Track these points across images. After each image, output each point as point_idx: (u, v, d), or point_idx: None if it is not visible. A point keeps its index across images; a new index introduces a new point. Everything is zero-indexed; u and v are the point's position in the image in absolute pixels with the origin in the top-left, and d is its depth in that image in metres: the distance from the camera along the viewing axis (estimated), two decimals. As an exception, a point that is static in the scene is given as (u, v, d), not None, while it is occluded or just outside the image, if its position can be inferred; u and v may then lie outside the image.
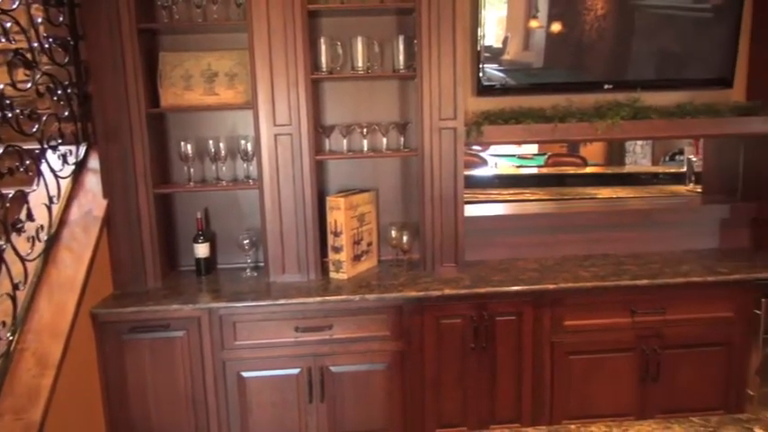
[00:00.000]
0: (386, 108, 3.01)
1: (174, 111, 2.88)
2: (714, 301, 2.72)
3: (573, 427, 1.47)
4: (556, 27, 2.90)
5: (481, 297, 2.61)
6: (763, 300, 2.70)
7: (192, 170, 2.87)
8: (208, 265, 2.96)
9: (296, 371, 2.60)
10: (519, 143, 4.63)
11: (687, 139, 4.77)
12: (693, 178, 4.40)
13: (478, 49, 2.85)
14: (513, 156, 8.11)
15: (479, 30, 2.83)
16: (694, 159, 4.45)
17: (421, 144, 2.78)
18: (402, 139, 2.95)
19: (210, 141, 2.86)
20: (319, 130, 2.89)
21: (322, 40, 2.77)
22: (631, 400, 2.74)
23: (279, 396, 2.61)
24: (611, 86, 2.97)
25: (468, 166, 6.59)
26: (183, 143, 2.82)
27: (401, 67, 2.83)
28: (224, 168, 2.93)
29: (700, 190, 3.68)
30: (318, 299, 2.55)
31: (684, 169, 4.83)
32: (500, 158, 7.87)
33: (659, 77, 3.01)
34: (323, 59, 2.78)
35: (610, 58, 2.97)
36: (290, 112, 2.70)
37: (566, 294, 2.66)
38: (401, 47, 2.80)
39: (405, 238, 2.94)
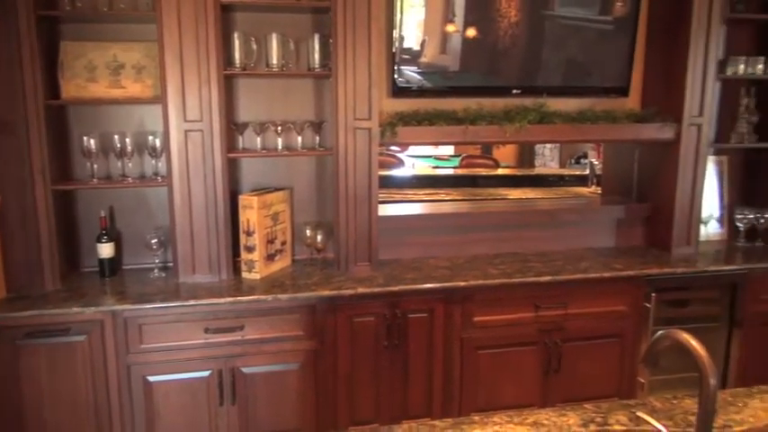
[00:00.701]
0: (301, 107, 2.99)
1: (76, 103, 2.74)
2: (610, 296, 2.90)
3: (477, 418, 1.53)
4: (471, 32, 2.98)
5: (394, 295, 2.66)
6: (652, 294, 2.91)
7: (95, 166, 2.74)
8: (112, 266, 2.83)
9: (206, 373, 2.55)
10: (432, 144, 4.74)
11: (588, 143, 5.06)
12: (595, 180, 4.66)
13: (393, 50, 2.90)
14: (430, 157, 8.28)
15: (395, 32, 2.88)
16: (596, 163, 4.71)
17: (336, 143, 2.79)
18: (317, 138, 2.95)
19: (116, 136, 2.74)
20: (232, 127, 2.84)
21: (236, 36, 2.72)
22: (535, 391, 2.88)
23: (188, 400, 2.55)
24: (519, 91, 3.09)
25: (386, 166, 6.67)
26: (85, 138, 2.68)
27: (316, 66, 2.83)
28: (131, 165, 2.81)
29: (600, 192, 3.91)
30: (230, 299, 2.51)
31: (587, 172, 5.12)
32: (417, 159, 8.02)
33: (564, 84, 3.16)
34: (236, 55, 2.73)
35: (521, 65, 3.09)
36: (201, 107, 2.63)
37: (475, 291, 2.75)
38: (317, 46, 2.80)
39: (319, 238, 2.94)
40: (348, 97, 2.75)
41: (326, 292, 2.58)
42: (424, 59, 2.98)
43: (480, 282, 2.73)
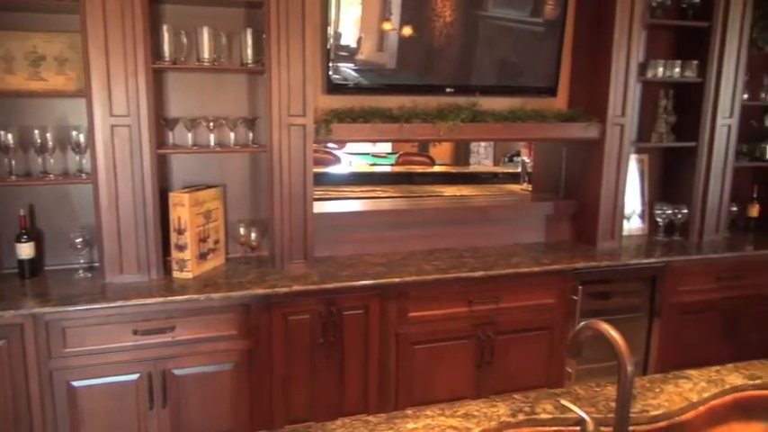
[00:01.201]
0: (234, 102, 2.94)
1: (-9, 95, 2.59)
2: (539, 290, 3.00)
3: (410, 412, 1.55)
4: (408, 31, 3.00)
5: (329, 292, 2.66)
6: (579, 287, 3.03)
7: (13, 162, 2.60)
8: (33, 267, 2.70)
9: (134, 376, 2.46)
10: (367, 141, 4.76)
11: (518, 141, 5.19)
12: (527, 178, 4.80)
13: (328, 47, 2.89)
14: (368, 154, 8.31)
15: (329, 29, 2.86)
16: (527, 161, 4.86)
17: (270, 140, 2.76)
18: (251, 134, 2.90)
19: (36, 131, 2.61)
20: (162, 122, 2.76)
21: (165, 28, 2.64)
22: (469, 383, 2.94)
23: (115, 404, 2.46)
24: (452, 90, 3.15)
25: (323, 163, 6.65)
26: (2, 132, 2.54)
27: (249, 62, 2.78)
28: (52, 161, 2.68)
29: (531, 189, 4.04)
30: (160, 299, 2.44)
31: (520, 170, 5.27)
32: (355, 157, 8.03)
33: (497, 84, 3.24)
34: (165, 48, 2.65)
35: (455, 64, 3.13)
36: (128, 101, 2.54)
37: (410, 287, 2.78)
38: (249, 41, 2.76)
39: (253, 236, 2.90)
40: (282, 93, 2.72)
41: (261, 291, 2.55)
42: (360, 57, 2.98)
43: (415, 278, 2.77)
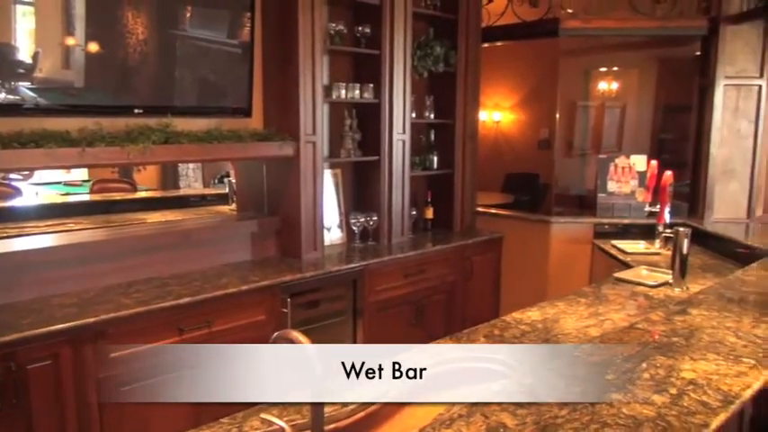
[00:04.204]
0: None
1: None
2: (251, 308, 3.02)
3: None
4: (94, 47, 2.76)
5: (5, 346, 2.27)
6: (288, 299, 3.14)
7: None
8: None
9: None
10: (41, 168, 4.23)
11: (215, 162, 5.15)
12: (235, 198, 4.81)
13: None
14: (60, 183, 7.37)
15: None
16: (234, 181, 4.87)
17: None
18: None
19: None
20: None
21: None
22: (188, 416, 2.75)
23: None
24: (141, 111, 2.98)
25: (-1, 197, 5.69)
26: None
27: None
28: None
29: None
30: None
31: (228, 190, 5.25)
32: (43, 187, 7.05)
33: (193, 104, 3.18)
34: None
35: (150, 84, 2.99)
36: None
37: (109, 325, 2.54)
38: None
39: None
40: None
41: None
42: (39, 74, 2.62)
43: (114, 315, 2.55)
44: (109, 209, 5.81)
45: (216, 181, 8.83)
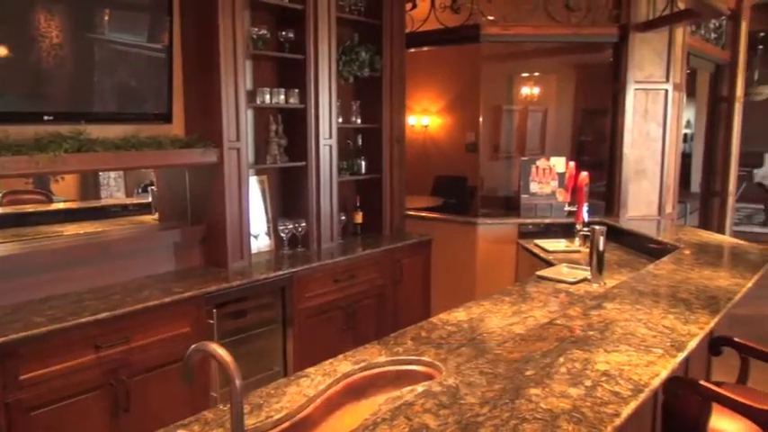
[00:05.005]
0: None
1: None
2: (174, 320, 2.92)
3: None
4: (2, 51, 2.62)
5: None
6: (214, 310, 3.06)
7: None
8: None
9: None
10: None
11: (135, 170, 4.98)
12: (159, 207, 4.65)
13: None
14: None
15: None
16: (156, 189, 4.70)
17: None
18: None
19: None
20: None
21: None
22: (106, 437, 2.68)
23: None
24: (51, 118, 2.83)
25: None
26: None
27: None
28: None
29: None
30: None
31: (151, 199, 5.06)
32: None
33: (111, 110, 3.06)
34: None
35: (65, 89, 2.86)
36: None
37: (18, 346, 2.40)
38: None
39: None
40: None
41: None
42: None
43: (23, 334, 2.40)
44: (21, 221, 5.49)
45: (140, 190, 8.51)
